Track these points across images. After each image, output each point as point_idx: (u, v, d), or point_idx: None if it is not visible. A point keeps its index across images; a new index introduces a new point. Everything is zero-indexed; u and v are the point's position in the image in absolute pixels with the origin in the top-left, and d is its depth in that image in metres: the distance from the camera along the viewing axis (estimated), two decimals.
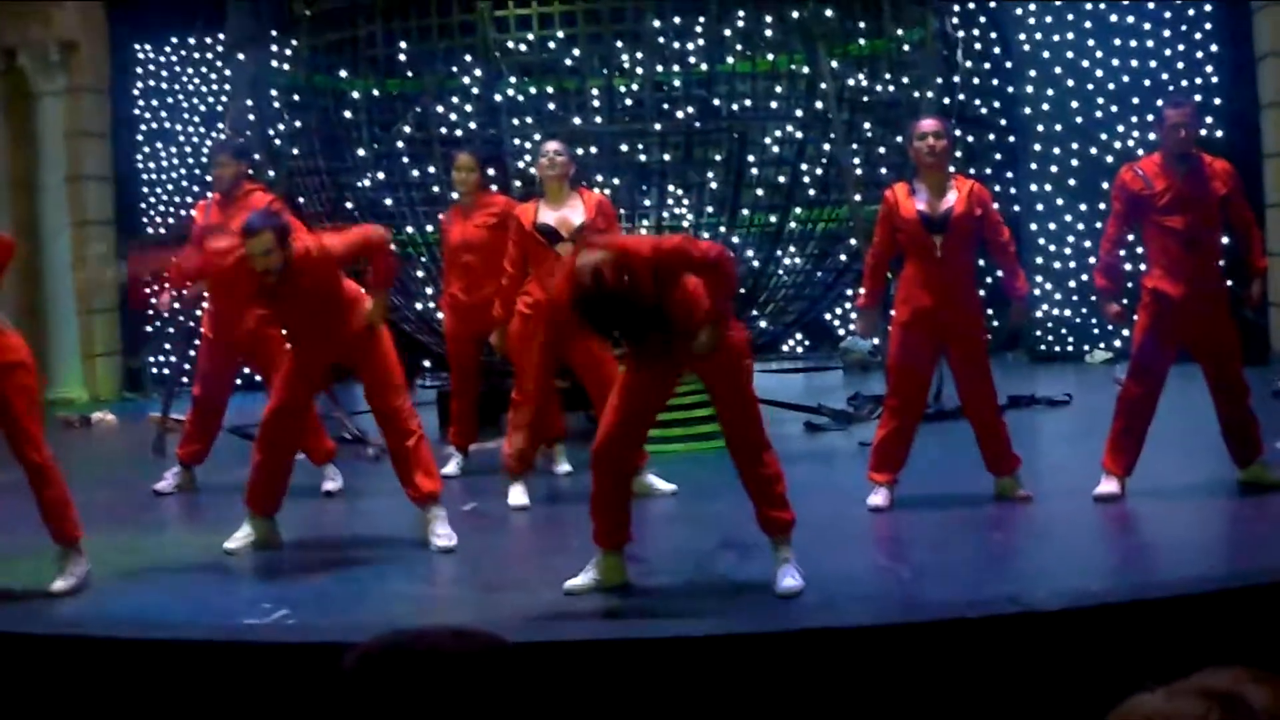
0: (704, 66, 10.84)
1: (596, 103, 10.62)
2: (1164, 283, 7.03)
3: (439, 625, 1.70)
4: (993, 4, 13.64)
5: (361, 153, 10.84)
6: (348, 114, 11.09)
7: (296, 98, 11.41)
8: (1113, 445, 7.10)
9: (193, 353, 9.37)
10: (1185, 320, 7.02)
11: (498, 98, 10.65)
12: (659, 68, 11.08)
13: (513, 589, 5.95)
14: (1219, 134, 12.48)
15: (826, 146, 10.76)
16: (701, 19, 10.85)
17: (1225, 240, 7.39)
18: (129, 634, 5.06)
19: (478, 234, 8.71)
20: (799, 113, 10.76)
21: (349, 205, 10.91)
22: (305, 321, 6.83)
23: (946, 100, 11.48)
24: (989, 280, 8.90)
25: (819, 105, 10.54)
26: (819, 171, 11.02)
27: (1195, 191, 7.02)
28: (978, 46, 13.42)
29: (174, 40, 14.88)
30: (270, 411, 6.84)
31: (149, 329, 14.34)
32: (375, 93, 11.12)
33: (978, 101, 13.56)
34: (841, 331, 14.42)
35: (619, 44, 11.01)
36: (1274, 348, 12.42)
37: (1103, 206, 13.11)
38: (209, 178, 8.99)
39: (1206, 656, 1.46)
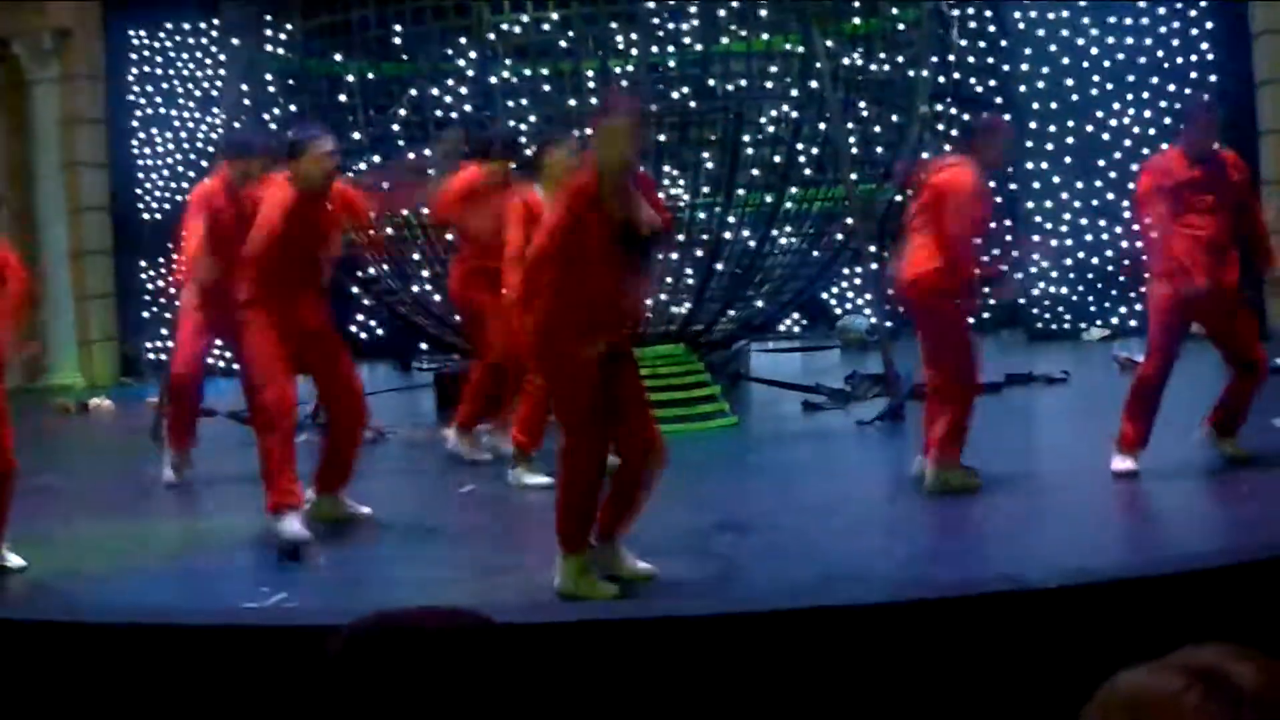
0: (699, 47, 10.81)
1: (591, 84, 10.59)
2: (1190, 272, 6.98)
3: (425, 606, 1.70)
4: None
5: (357, 136, 10.80)
6: (343, 97, 11.05)
7: (291, 82, 11.37)
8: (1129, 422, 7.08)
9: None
10: (1208, 307, 7.02)
11: (492, 80, 10.63)
12: (654, 49, 11.05)
13: (509, 571, 5.96)
14: None
15: (822, 126, 10.74)
16: None
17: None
18: (128, 619, 5.07)
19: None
20: (794, 92, 10.73)
21: None
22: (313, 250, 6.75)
23: (942, 79, 11.45)
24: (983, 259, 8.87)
25: (814, 85, 10.51)
26: (814, 151, 11.00)
27: (1218, 183, 7.06)
28: (973, 25, 13.38)
29: (168, 26, 14.83)
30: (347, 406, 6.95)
31: (145, 314, 14.34)
32: (370, 76, 11.09)
33: (973, 80, 13.53)
34: (838, 311, 14.41)
35: (613, 25, 10.98)
36: (1272, 325, 12.41)
37: (1099, 184, 13.15)
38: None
39: (1203, 634, 1.46)
